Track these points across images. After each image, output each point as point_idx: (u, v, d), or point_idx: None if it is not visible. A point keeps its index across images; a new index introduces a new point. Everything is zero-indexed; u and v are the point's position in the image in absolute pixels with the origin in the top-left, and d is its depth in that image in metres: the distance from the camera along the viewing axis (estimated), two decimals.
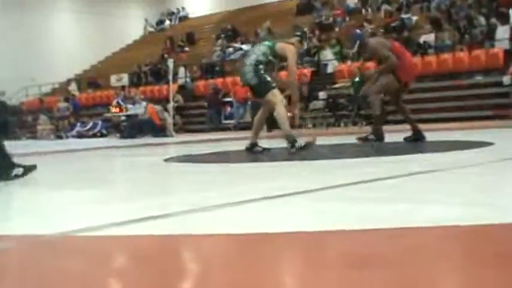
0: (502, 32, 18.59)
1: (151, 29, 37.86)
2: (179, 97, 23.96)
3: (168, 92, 21.33)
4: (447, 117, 17.37)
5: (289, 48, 7.62)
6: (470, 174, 4.78)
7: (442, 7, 21.98)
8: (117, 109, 21.51)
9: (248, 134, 8.83)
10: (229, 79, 24.44)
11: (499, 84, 17.43)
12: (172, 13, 38.32)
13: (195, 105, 24.76)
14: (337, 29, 24.97)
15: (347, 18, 25.95)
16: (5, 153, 5.48)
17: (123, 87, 25.05)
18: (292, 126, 8.01)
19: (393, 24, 22.59)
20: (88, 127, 23.59)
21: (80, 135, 23.04)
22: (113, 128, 22.04)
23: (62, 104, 25.35)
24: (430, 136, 9.30)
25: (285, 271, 2.18)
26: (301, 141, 7.43)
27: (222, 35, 28.94)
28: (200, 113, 24.13)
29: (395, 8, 24.37)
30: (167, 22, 37.84)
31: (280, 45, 7.65)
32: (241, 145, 8.38)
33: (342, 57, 21.82)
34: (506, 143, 8.57)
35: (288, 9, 29.62)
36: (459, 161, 5.96)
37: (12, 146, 6.12)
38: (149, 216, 3.17)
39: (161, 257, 2.39)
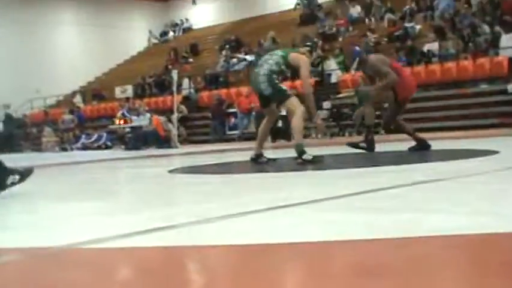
0: (506, 40, 18.58)
1: (155, 41, 37.97)
2: (183, 108, 24.01)
3: (172, 103, 21.36)
4: (452, 125, 17.35)
5: (302, 59, 7.58)
6: (475, 183, 4.77)
7: (446, 16, 21.99)
8: (122, 121, 21.54)
9: (252, 144, 8.82)
10: (233, 90, 24.48)
11: (504, 92, 17.41)
12: (176, 24, 38.44)
13: (200, 116, 24.79)
14: (340, 39, 25.00)
15: (350, 28, 25.98)
16: None
17: (127, 99, 25.10)
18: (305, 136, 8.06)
19: (397, 33, 22.61)
20: (93, 139, 23.63)
21: (85, 147, 23.07)
22: (118, 139, 22.07)
23: (67, 116, 25.41)
24: (434, 145, 9.28)
25: (289, 282, 2.18)
26: (309, 155, 7.38)
27: (226, 46, 28.99)
28: (204, 124, 24.16)
29: (398, 17, 24.39)
30: (171, 33, 37.96)
31: (294, 56, 7.63)
32: (246, 156, 8.38)
33: (345, 67, 21.83)
34: None
35: (291, 19, 29.69)
36: (464, 169, 5.95)
37: (17, 159, 6.13)
38: (154, 227, 3.17)
39: (166, 269, 2.39)
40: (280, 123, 18.33)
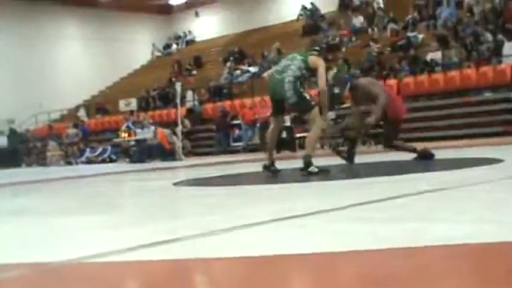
0: (509, 48, 18.57)
1: (159, 54, 38.05)
2: (187, 122, 24.01)
3: (177, 116, 21.39)
4: (456, 134, 17.33)
5: (320, 60, 7.64)
6: (479, 192, 4.76)
7: (449, 24, 21.99)
8: (126, 134, 21.56)
9: (257, 156, 8.81)
10: (237, 101, 24.50)
11: (508, 100, 17.40)
12: (179, 37, 38.52)
13: (204, 128, 24.81)
14: (343, 49, 25.01)
15: (353, 38, 26.00)
16: None
17: (131, 112, 25.13)
18: None
19: (400, 43, 22.62)
20: (97, 153, 23.64)
21: (90, 161, 23.09)
22: (122, 153, 22.08)
23: (71, 130, 25.44)
24: (439, 154, 9.27)
25: None
26: (315, 167, 7.35)
27: (231, 58, 29.04)
28: (209, 136, 24.17)
29: (401, 27, 24.40)
30: (174, 46, 38.04)
31: (312, 58, 7.66)
32: (250, 167, 8.38)
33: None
34: None
35: (294, 30, 29.73)
36: (468, 178, 5.94)
37: (21, 173, 6.15)
38: (159, 240, 3.17)
39: (171, 282, 2.38)
40: (284, 134, 18.35)
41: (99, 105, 31.76)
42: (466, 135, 16.91)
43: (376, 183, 6.11)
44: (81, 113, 31.27)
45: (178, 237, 3.28)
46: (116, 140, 22.74)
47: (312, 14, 30.74)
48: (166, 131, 20.52)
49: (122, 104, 27.54)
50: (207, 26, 37.53)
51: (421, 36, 22.65)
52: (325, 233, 3.17)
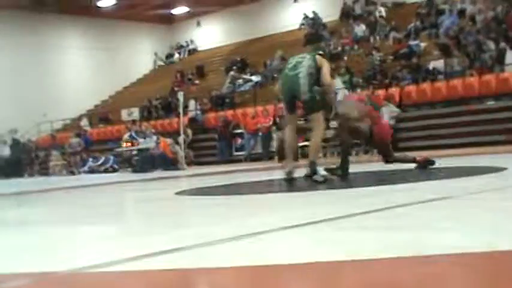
0: (511, 56, 18.56)
1: (161, 63, 38.12)
2: (189, 131, 24.00)
3: (179, 125, 21.41)
4: (459, 142, 17.32)
5: (325, 61, 7.66)
6: (484, 200, 4.75)
7: (451, 33, 22.01)
8: (129, 143, 21.57)
9: (259, 165, 8.78)
10: (239, 111, 24.52)
11: (511, 108, 17.38)
12: (181, 46, 38.59)
13: (206, 137, 24.82)
14: (345, 58, 25.04)
15: (355, 47, 26.04)
16: None
17: (134, 121, 25.15)
18: None
19: (402, 51, 22.63)
20: (100, 162, 23.64)
21: (92, 171, 23.10)
22: (125, 162, 22.09)
23: (74, 140, 25.46)
24: (442, 162, 9.26)
25: None
26: (321, 176, 7.33)
27: (234, 67, 29.05)
28: (211, 146, 24.18)
29: (403, 35, 24.43)
30: (176, 55, 38.12)
31: (319, 57, 7.66)
32: (253, 176, 8.36)
33: (351, 86, 21.84)
34: None
35: (296, 39, 29.72)
36: (472, 187, 5.92)
37: (25, 183, 6.15)
38: (162, 250, 3.16)
39: None
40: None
41: (102, 114, 31.80)
42: (469, 144, 16.90)
43: (380, 192, 6.10)
44: (84, 122, 31.32)
45: (181, 247, 3.27)
46: (118, 149, 22.75)
47: (313, 23, 30.79)
48: (169, 141, 20.54)
49: (124, 114, 27.57)
50: (209, 36, 37.59)
51: (423, 44, 22.68)
52: (331, 242, 3.16)
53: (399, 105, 19.48)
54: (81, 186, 12.98)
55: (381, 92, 20.24)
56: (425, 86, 19.74)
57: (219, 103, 26.47)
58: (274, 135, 20.44)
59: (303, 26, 31.53)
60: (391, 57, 23.06)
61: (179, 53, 38.28)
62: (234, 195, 7.62)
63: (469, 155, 13.19)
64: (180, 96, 21.15)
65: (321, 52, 8.06)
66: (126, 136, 22.48)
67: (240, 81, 27.65)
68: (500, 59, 18.95)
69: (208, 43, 37.16)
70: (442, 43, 21.36)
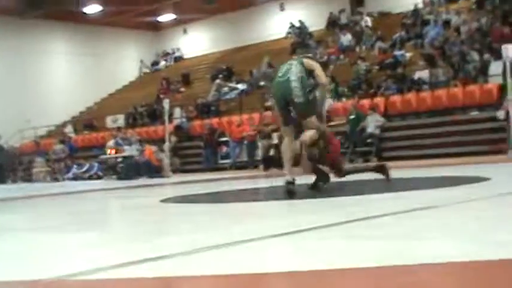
0: (495, 67, 18.67)
1: (147, 70, 38.05)
2: (172, 138, 23.89)
3: (164, 132, 21.35)
4: (443, 152, 17.37)
5: (315, 62, 7.60)
6: (467, 210, 4.78)
7: (436, 43, 22.13)
8: (113, 150, 21.49)
9: (244, 173, 8.75)
10: (225, 119, 24.50)
11: (494, 119, 17.48)
12: (167, 54, 38.55)
13: (191, 145, 24.78)
14: (331, 67, 25.09)
15: (341, 56, 26.11)
16: None
17: (119, 128, 25.07)
18: None
19: (387, 61, 22.72)
20: (84, 169, 23.54)
21: (76, 178, 22.98)
22: (110, 169, 22.01)
23: (58, 146, 25.33)
24: (426, 172, 9.30)
25: None
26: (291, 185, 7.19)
27: (220, 76, 29.03)
28: (196, 153, 24.14)
29: (389, 45, 24.53)
30: (162, 63, 38.05)
31: (307, 60, 7.62)
32: (238, 185, 8.35)
33: (337, 95, 21.90)
34: (503, 178, 8.57)
35: (283, 48, 29.78)
36: (456, 196, 5.95)
37: (8, 190, 6.12)
38: (147, 258, 3.15)
39: None
40: (272, 152, 18.36)
41: (87, 121, 31.67)
42: (453, 154, 16.96)
43: (365, 201, 6.11)
44: (68, 129, 31.16)
45: (166, 255, 3.27)
46: (102, 156, 22.67)
47: (300, 32, 30.86)
48: (154, 148, 20.49)
49: (109, 121, 27.47)
50: (195, 43, 37.57)
51: (408, 54, 22.78)
52: (314, 251, 3.16)
53: (384, 115, 19.55)
54: (66, 193, 12.92)
55: (366, 102, 20.31)
56: (410, 96, 19.81)
57: (204, 111, 26.43)
58: (260, 144, 20.45)
59: (289, 35, 31.59)
60: (376, 67, 23.13)
61: (165, 60, 38.22)
62: (219, 203, 7.62)
63: (453, 165, 13.24)
64: (166, 103, 21.10)
65: (309, 55, 8.02)
66: (109, 143, 22.42)
67: (226, 89, 27.64)
68: (484, 70, 19.06)
69: (195, 51, 37.14)
70: (427, 53, 21.46)
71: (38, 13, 32.06)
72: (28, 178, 25.26)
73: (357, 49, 26.20)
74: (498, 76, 18.10)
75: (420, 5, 26.59)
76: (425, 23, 24.35)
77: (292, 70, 7.34)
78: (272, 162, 18.70)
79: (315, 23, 30.66)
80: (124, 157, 20.62)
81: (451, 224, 3.99)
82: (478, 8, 23.72)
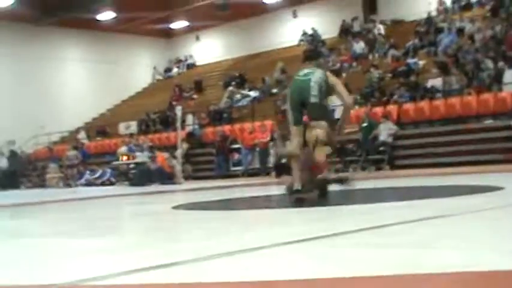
0: (509, 75, 18.59)
1: (160, 77, 38.15)
2: (184, 145, 23.88)
3: (176, 139, 21.37)
4: (457, 161, 17.28)
5: (335, 77, 7.61)
6: (481, 219, 4.74)
7: (449, 51, 22.05)
8: (126, 157, 21.54)
9: (256, 180, 8.72)
10: (237, 126, 24.51)
11: (508, 128, 17.38)
12: (180, 61, 38.64)
13: (204, 152, 24.79)
14: (344, 75, 25.06)
15: (354, 64, 26.08)
16: None
17: (131, 135, 25.13)
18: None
19: (400, 69, 22.67)
20: (97, 175, 23.62)
21: (89, 184, 23.05)
22: (122, 175, 22.06)
23: (71, 152, 25.41)
24: (439, 181, 9.25)
25: None
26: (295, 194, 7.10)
27: (232, 83, 29.05)
28: (208, 160, 24.14)
29: (402, 53, 24.48)
30: (175, 70, 38.14)
31: (329, 73, 7.60)
32: (250, 192, 8.33)
33: None
34: None
35: (295, 55, 29.73)
36: (469, 205, 5.91)
37: (22, 195, 6.13)
38: (158, 264, 3.14)
39: None
40: (284, 160, 18.33)
41: (100, 127, 31.77)
42: (466, 162, 16.87)
43: (378, 209, 6.08)
44: (82, 135, 31.27)
45: (177, 261, 3.26)
46: (115, 162, 22.72)
47: (312, 39, 30.87)
48: (166, 155, 20.52)
49: (122, 127, 27.54)
50: (207, 50, 37.63)
51: (421, 62, 22.71)
52: (326, 259, 3.14)
53: (397, 123, 19.49)
54: (78, 199, 12.95)
55: (378, 109, 20.26)
56: (424, 104, 19.73)
57: (217, 118, 26.45)
58: (272, 151, 20.42)
59: (301, 42, 31.59)
60: (389, 74, 23.08)
61: (178, 67, 38.31)
62: (231, 210, 7.60)
63: (467, 173, 13.18)
64: (178, 110, 21.13)
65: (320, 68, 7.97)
66: (121, 149, 22.49)
67: (238, 96, 27.65)
68: (498, 78, 18.96)
69: (207, 58, 37.19)
70: (440, 61, 21.39)
71: (52, 20, 32.27)
72: (42, 184, 25.36)
73: (370, 57, 26.17)
74: None
75: (434, 13, 26.55)
76: (439, 30, 24.29)
77: (314, 74, 7.32)
78: (284, 170, 18.68)
79: (328, 30, 30.66)
80: (136, 163, 20.66)
81: (465, 233, 3.96)
82: (492, 15, 23.64)
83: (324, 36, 30.64)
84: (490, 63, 19.55)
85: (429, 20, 25.73)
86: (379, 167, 18.64)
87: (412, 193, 8.10)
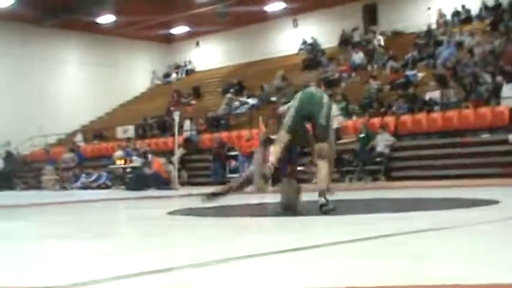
0: (507, 90, 18.62)
1: (159, 82, 38.15)
2: (180, 150, 23.84)
3: (173, 145, 21.38)
4: (453, 174, 17.29)
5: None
6: (475, 232, 4.74)
7: (448, 64, 22.10)
8: (123, 161, 21.54)
9: (252, 187, 8.66)
10: (234, 133, 24.51)
11: (505, 142, 17.41)
12: (179, 66, 38.66)
13: (200, 158, 24.78)
14: (343, 85, 25.10)
15: (353, 74, 26.12)
16: None
17: (128, 139, 25.12)
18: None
19: (399, 81, 22.70)
20: (93, 178, 23.60)
21: (85, 187, 23.03)
22: (118, 179, 22.04)
23: (67, 155, 25.37)
24: (435, 193, 9.26)
25: None
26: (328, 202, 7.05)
27: (231, 90, 29.06)
28: (205, 166, 24.13)
29: (400, 65, 24.52)
30: (174, 75, 38.15)
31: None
32: (246, 199, 8.31)
33: (347, 113, 21.88)
34: None
35: (295, 64, 29.84)
36: (465, 218, 5.92)
37: (17, 197, 6.12)
38: (151, 270, 3.13)
39: None
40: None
41: (97, 131, 31.75)
42: (463, 176, 16.88)
43: (374, 220, 6.08)
44: (78, 138, 31.23)
45: (171, 267, 3.25)
46: (111, 166, 22.71)
47: (312, 49, 30.92)
48: (162, 160, 20.51)
49: (119, 131, 27.52)
50: (207, 57, 37.67)
51: (420, 74, 22.75)
52: (320, 268, 3.14)
53: (394, 134, 19.51)
54: (74, 201, 12.93)
55: (376, 120, 20.28)
56: (421, 116, 19.76)
57: (214, 124, 26.46)
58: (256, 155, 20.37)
59: (301, 51, 31.66)
60: (388, 86, 23.11)
61: (177, 73, 38.33)
62: (226, 217, 7.60)
63: (463, 186, 13.19)
64: (176, 116, 21.13)
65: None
66: (116, 154, 22.49)
67: (237, 103, 27.66)
68: (496, 92, 19.00)
69: (206, 64, 37.22)
70: (439, 74, 21.43)
71: (52, 21, 32.28)
72: (37, 186, 25.33)
73: (369, 68, 26.21)
74: (510, 99, 18.05)
75: (434, 26, 26.64)
76: (438, 43, 24.36)
77: (325, 96, 7.27)
78: (275, 177, 18.65)
79: (328, 40, 30.73)
80: (133, 168, 20.65)
81: (460, 246, 3.96)
82: (492, 30, 23.71)
83: (323, 46, 30.71)
84: (488, 78, 19.60)
85: (429, 32, 25.81)
86: (376, 177, 18.65)
87: (408, 205, 8.10)
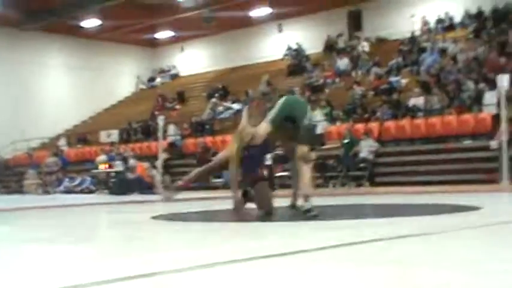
0: (489, 97, 18.74)
1: (143, 86, 38.07)
2: (163, 155, 23.73)
3: (157, 149, 21.32)
4: (436, 180, 17.37)
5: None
6: (457, 238, 4.77)
7: (432, 71, 22.22)
8: (106, 165, 21.46)
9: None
10: (219, 138, 24.50)
11: (487, 148, 17.51)
12: (164, 71, 38.60)
13: (184, 163, 24.73)
14: (327, 91, 25.16)
15: (337, 80, 26.18)
16: None
17: (112, 144, 25.03)
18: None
19: (383, 87, 22.79)
20: (76, 183, 23.49)
21: (68, 191, 22.92)
22: (102, 183, 21.95)
23: (50, 159, 25.24)
24: (418, 199, 9.30)
25: None
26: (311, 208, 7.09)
27: (216, 95, 29.06)
28: (189, 171, 24.06)
29: (384, 71, 24.62)
30: (158, 79, 38.08)
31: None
32: (229, 204, 8.29)
33: (331, 119, 21.94)
34: (494, 208, 8.59)
35: (279, 69, 29.90)
36: (447, 224, 5.96)
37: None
38: (135, 274, 3.14)
39: None
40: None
41: (80, 135, 31.63)
42: (445, 182, 16.96)
43: (358, 225, 6.10)
44: (62, 142, 31.07)
45: (155, 272, 3.25)
46: (94, 171, 22.62)
47: (297, 54, 30.97)
48: (146, 165, 20.46)
49: (103, 135, 27.42)
50: (191, 61, 37.65)
51: (404, 81, 22.86)
52: (308, 273, 3.15)
53: (378, 140, 19.57)
54: (57, 206, 12.87)
55: (360, 126, 20.34)
56: (405, 122, 19.85)
57: (198, 129, 26.44)
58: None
59: (286, 57, 31.70)
60: (372, 92, 23.20)
61: (161, 77, 38.27)
62: (210, 222, 7.60)
63: (446, 192, 13.26)
64: (160, 120, 21.08)
65: None
66: (99, 158, 22.40)
67: (221, 108, 27.65)
68: (478, 99, 19.13)
69: (191, 69, 37.20)
70: (422, 81, 21.54)
71: (36, 25, 32.12)
72: (19, 190, 25.17)
73: (353, 74, 26.29)
74: (492, 106, 18.17)
75: (417, 33, 26.78)
76: (422, 50, 24.50)
77: (306, 107, 7.44)
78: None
79: (313, 45, 30.80)
80: (116, 172, 20.59)
81: (442, 251, 3.99)
82: (475, 37, 23.87)
83: (308, 52, 30.78)
84: (471, 84, 19.72)
85: (413, 39, 25.95)
86: (359, 183, 18.70)
87: (392, 210, 8.14)
